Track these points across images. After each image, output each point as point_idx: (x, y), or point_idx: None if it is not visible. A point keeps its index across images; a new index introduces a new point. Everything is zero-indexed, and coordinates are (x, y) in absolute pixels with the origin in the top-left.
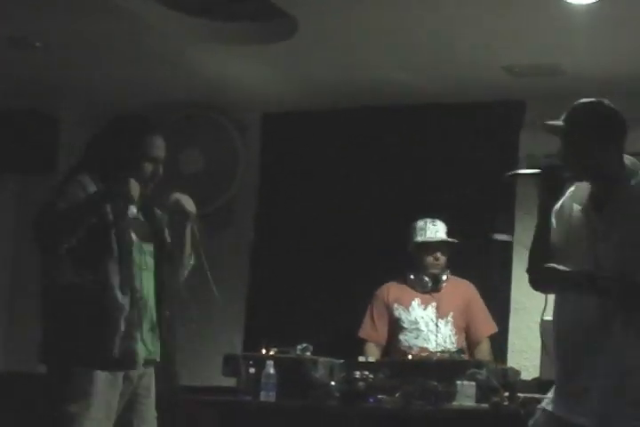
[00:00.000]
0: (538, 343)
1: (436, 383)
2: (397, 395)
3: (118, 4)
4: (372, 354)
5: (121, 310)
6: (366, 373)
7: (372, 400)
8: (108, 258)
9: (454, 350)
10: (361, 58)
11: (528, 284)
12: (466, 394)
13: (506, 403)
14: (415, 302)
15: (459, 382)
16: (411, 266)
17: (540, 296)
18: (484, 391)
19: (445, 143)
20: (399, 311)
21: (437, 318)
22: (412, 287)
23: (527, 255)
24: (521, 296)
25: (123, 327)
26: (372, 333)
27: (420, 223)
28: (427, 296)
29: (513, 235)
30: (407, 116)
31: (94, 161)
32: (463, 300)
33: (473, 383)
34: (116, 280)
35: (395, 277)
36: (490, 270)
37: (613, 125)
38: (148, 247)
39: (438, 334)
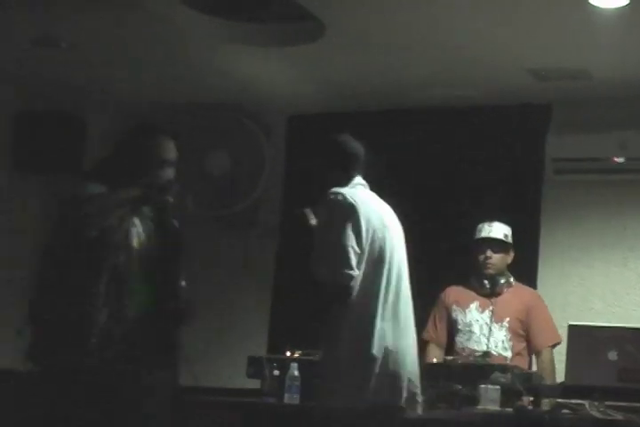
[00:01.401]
0: (563, 348)
1: (460, 387)
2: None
3: (145, 5)
4: (434, 355)
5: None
6: None
7: None
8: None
9: (506, 355)
10: (387, 60)
11: (552, 288)
12: (490, 398)
13: (530, 407)
14: (473, 305)
15: (482, 386)
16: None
17: (565, 301)
18: (508, 396)
19: (471, 146)
20: (457, 313)
21: (493, 322)
22: (473, 290)
23: (554, 259)
24: (546, 301)
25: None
26: (433, 334)
27: (479, 225)
28: (486, 300)
29: (538, 239)
30: (433, 119)
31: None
32: (524, 306)
33: (497, 387)
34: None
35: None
36: (514, 275)
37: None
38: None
39: (490, 338)
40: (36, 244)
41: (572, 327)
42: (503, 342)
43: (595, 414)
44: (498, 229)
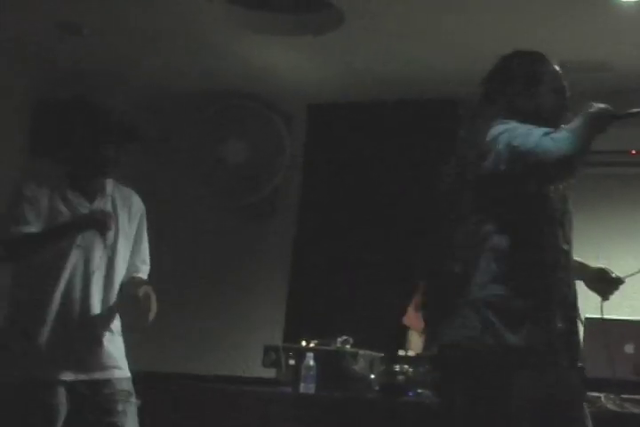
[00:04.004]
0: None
1: None
2: None
3: None
4: (415, 341)
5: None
6: (406, 366)
7: (411, 394)
8: None
9: None
10: (407, 50)
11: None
12: None
13: None
14: None
15: None
16: None
17: (582, 293)
18: None
19: None
20: None
21: None
22: None
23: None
24: None
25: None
26: (414, 320)
27: None
28: None
29: None
30: (453, 110)
31: None
32: None
33: None
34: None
35: None
36: None
37: None
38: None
39: None
40: None
41: (588, 320)
42: None
43: (611, 406)
44: None
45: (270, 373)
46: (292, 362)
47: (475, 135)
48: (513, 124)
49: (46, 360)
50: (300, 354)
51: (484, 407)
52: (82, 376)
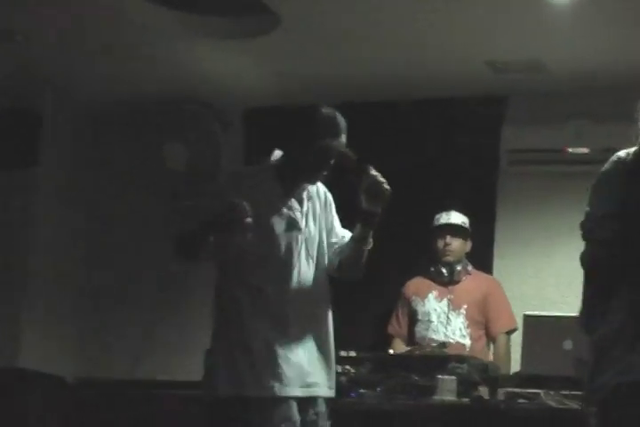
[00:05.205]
0: (519, 338)
1: (417, 378)
2: (379, 389)
3: None
4: (399, 349)
5: None
6: (348, 367)
7: (353, 395)
8: None
9: (464, 342)
10: (343, 53)
11: (508, 278)
12: (447, 388)
13: (487, 397)
14: (432, 295)
15: (440, 377)
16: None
17: (520, 292)
18: (465, 386)
19: (426, 138)
20: (416, 303)
21: (450, 310)
22: (432, 279)
23: (509, 250)
24: None
25: None
26: (398, 328)
27: (436, 215)
28: (444, 289)
29: (494, 230)
30: (389, 112)
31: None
32: (481, 293)
33: (454, 378)
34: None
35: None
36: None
37: None
38: None
39: (448, 326)
40: None
41: (527, 317)
42: (461, 329)
43: (550, 403)
44: (456, 217)
45: None
46: None
47: None
48: None
49: (266, 376)
50: None
51: None
52: (299, 392)
